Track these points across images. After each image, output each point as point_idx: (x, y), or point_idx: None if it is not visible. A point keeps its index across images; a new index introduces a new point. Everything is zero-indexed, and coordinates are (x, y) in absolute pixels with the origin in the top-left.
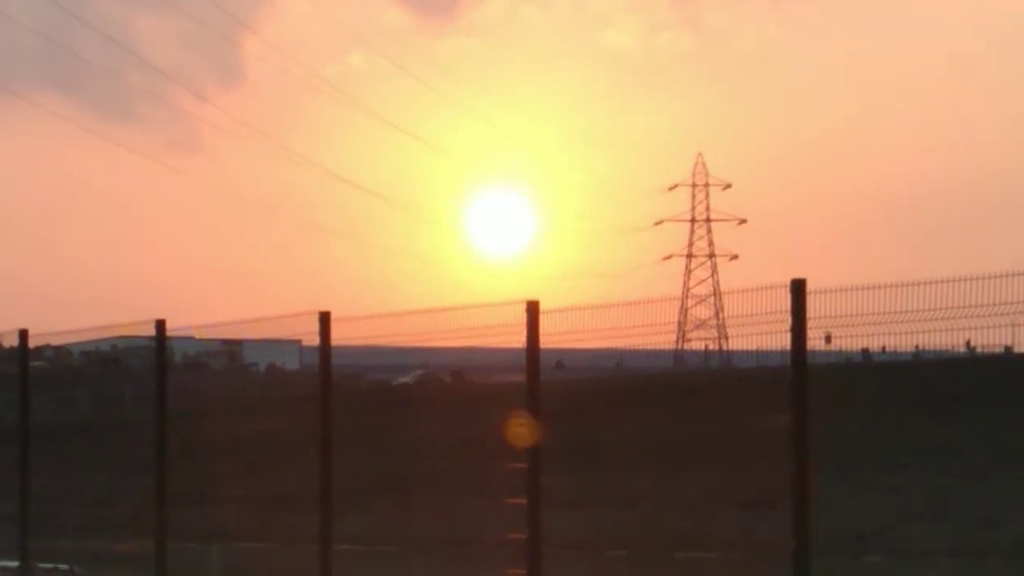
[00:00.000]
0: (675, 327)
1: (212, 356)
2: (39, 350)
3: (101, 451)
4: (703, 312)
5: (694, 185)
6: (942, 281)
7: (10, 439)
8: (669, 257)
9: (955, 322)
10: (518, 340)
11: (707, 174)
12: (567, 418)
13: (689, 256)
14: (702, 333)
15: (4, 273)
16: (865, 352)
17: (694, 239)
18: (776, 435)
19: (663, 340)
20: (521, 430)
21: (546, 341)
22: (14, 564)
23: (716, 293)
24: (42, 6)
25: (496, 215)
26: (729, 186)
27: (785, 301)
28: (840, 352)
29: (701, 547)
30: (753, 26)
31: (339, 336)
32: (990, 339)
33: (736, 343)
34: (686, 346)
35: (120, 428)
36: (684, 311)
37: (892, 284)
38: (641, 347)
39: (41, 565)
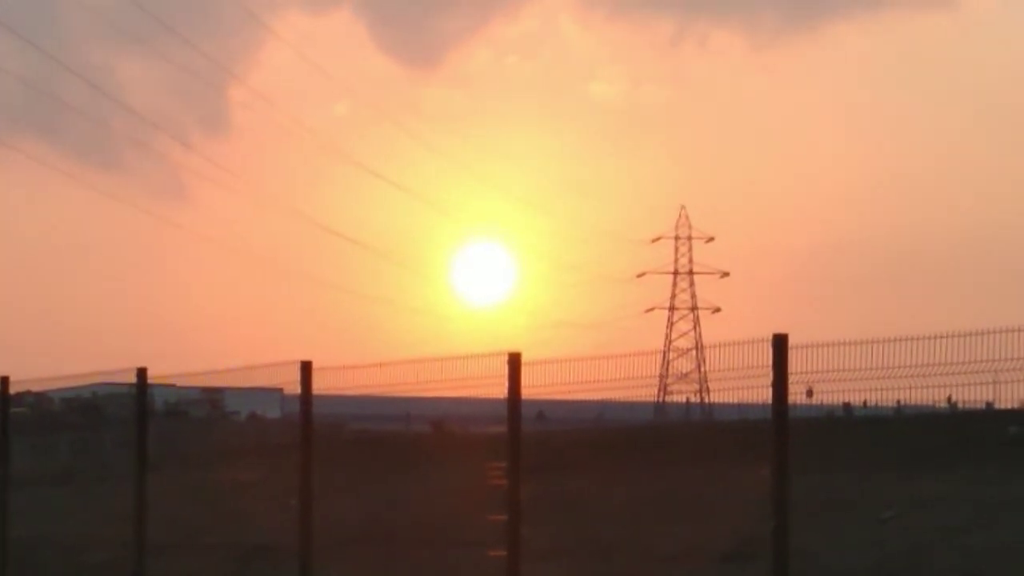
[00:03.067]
0: (657, 380)
1: (193, 404)
2: (20, 396)
3: (80, 498)
4: (685, 365)
5: (677, 238)
6: (924, 337)
7: None
8: (651, 309)
9: (937, 379)
10: (500, 391)
11: (690, 227)
12: (548, 469)
13: (671, 308)
14: (684, 386)
15: None
16: (847, 406)
17: (677, 291)
18: (757, 488)
19: (645, 393)
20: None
21: (528, 392)
22: None
23: (698, 346)
24: (26, 51)
25: (479, 265)
26: (712, 239)
27: (767, 355)
28: (822, 406)
29: None
30: (737, 79)
31: (321, 386)
32: (972, 395)
33: (718, 396)
34: (668, 399)
35: (99, 474)
36: (666, 364)
37: (874, 340)
38: (623, 399)
39: None
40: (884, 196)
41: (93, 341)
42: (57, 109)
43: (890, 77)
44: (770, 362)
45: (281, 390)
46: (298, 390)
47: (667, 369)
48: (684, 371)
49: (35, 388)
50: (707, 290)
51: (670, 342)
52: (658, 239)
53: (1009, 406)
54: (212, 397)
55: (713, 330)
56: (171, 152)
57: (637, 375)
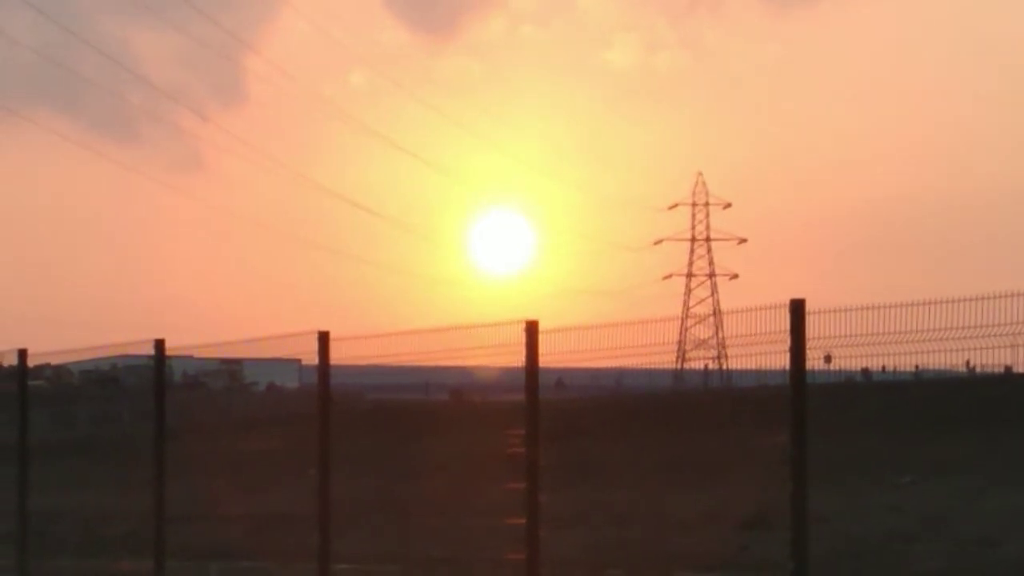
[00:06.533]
0: (675, 346)
1: (212, 375)
2: (39, 369)
3: (100, 469)
4: (703, 331)
5: (694, 204)
6: (942, 301)
7: (9, 457)
8: (669, 276)
9: (955, 342)
10: (518, 359)
11: (707, 193)
12: (567, 437)
13: (689, 275)
14: (702, 352)
15: (3, 292)
16: (865, 371)
17: (694, 258)
18: (775, 454)
19: (663, 359)
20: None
21: (546, 360)
22: None
23: (716, 312)
24: (42, 24)
25: (496, 234)
26: (729, 205)
27: (785, 321)
28: (840, 371)
29: (700, 566)
30: (753, 45)
31: (338, 356)
32: (990, 359)
33: (736, 362)
34: (686, 365)
35: (119, 446)
36: (684, 330)
37: (892, 304)
38: (641, 366)
39: None
40: (902, 161)
41: (111, 313)
42: (73, 82)
43: (908, 41)
44: (788, 328)
45: (299, 360)
46: (316, 360)
47: (685, 336)
48: (702, 338)
49: (54, 361)
50: (724, 256)
51: (688, 309)
52: (675, 206)
53: None
54: (230, 368)
55: (731, 296)
56: (187, 124)
57: (655, 342)
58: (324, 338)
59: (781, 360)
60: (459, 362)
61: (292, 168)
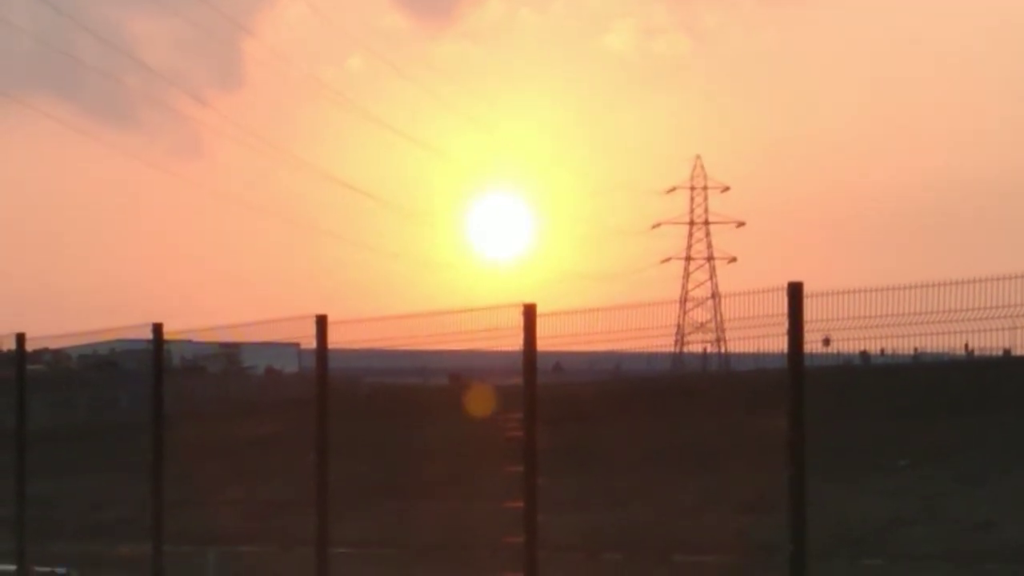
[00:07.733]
0: (674, 330)
1: (210, 359)
2: (38, 353)
3: (98, 454)
4: (702, 315)
5: (692, 188)
6: (941, 284)
7: (7, 442)
8: (667, 260)
9: (954, 325)
10: (516, 343)
11: (705, 177)
12: (565, 421)
13: (687, 259)
14: (701, 336)
15: (2, 277)
16: (864, 354)
17: (692, 242)
18: (773, 438)
19: (662, 343)
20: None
21: (544, 344)
22: (11, 568)
23: (714, 296)
24: (40, 9)
25: (494, 218)
26: (727, 188)
27: (783, 304)
28: (839, 354)
29: (698, 550)
30: (751, 28)
31: (336, 340)
32: (989, 342)
33: (734, 346)
34: (685, 349)
35: (117, 431)
36: (683, 314)
37: (891, 287)
38: (640, 350)
39: (38, 568)
40: (899, 144)
41: (110, 298)
42: (71, 66)
43: (906, 26)
44: (786, 311)
45: (298, 345)
46: (315, 344)
47: (684, 319)
48: (701, 321)
49: (52, 345)
50: (723, 240)
51: (686, 292)
52: (673, 189)
53: None
54: (229, 352)
55: (729, 279)
56: (185, 108)
57: (654, 325)
58: (322, 322)
59: (779, 343)
60: (457, 346)
61: (290, 152)
